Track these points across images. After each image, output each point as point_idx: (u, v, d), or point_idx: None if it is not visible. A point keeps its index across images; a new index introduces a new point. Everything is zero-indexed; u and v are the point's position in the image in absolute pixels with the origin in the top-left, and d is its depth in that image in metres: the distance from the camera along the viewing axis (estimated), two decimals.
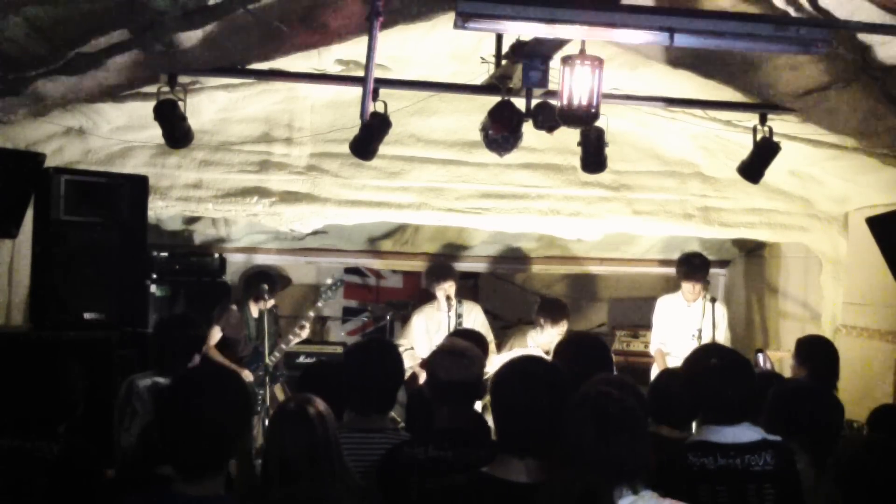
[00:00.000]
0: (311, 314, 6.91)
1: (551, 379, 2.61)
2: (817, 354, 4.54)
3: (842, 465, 2.76)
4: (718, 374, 3.10)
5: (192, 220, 7.78)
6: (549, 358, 5.81)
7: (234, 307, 6.76)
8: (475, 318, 6.80)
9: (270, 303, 6.77)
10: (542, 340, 6.18)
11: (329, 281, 7.10)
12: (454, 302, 6.69)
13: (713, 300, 6.48)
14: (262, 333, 6.66)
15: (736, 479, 2.98)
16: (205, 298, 7.53)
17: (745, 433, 3.04)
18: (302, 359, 7.85)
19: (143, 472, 2.90)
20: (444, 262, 7.33)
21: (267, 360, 6.60)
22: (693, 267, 6.61)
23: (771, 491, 3.01)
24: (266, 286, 6.66)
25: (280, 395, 6.77)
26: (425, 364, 4.00)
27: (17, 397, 2.99)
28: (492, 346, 7.01)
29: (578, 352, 3.87)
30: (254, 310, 6.76)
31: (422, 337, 6.78)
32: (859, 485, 2.68)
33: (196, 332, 4.58)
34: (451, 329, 6.46)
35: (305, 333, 6.87)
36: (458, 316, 6.68)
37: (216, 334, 6.73)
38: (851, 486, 2.70)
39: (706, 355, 3.28)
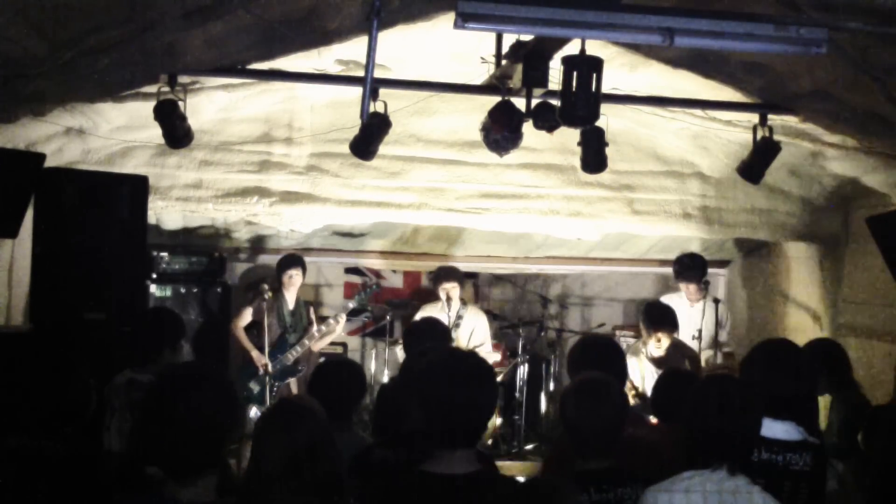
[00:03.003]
0: (343, 315, 6.93)
1: (475, 371, 2.64)
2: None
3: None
4: (778, 368, 3.16)
5: (193, 220, 7.78)
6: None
7: (269, 293, 6.71)
8: (475, 321, 6.81)
9: (289, 278, 6.71)
10: (653, 353, 5.48)
11: (371, 282, 7.13)
12: (455, 303, 6.70)
13: (716, 301, 6.48)
14: (297, 324, 6.69)
15: (775, 475, 3.03)
16: (205, 298, 7.54)
17: (790, 431, 3.10)
18: None
19: (132, 473, 2.89)
20: (451, 265, 7.33)
21: (288, 353, 6.61)
22: (683, 266, 6.60)
23: (805, 491, 3.06)
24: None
25: (295, 390, 6.79)
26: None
27: (25, 397, 2.98)
28: (489, 349, 7.04)
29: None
30: (290, 300, 6.75)
31: None
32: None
33: (170, 326, 4.57)
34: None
35: (339, 329, 6.88)
36: (458, 318, 6.69)
37: (246, 317, 6.75)
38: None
39: (769, 348, 3.34)
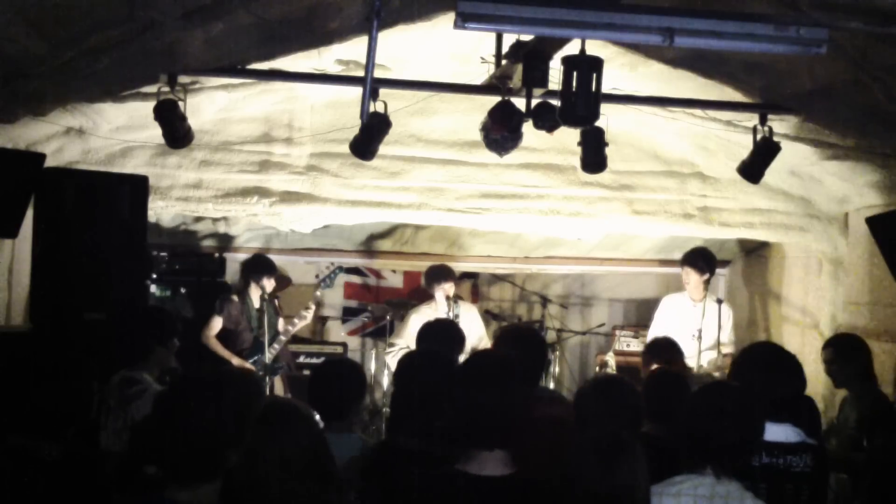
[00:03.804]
0: (313, 304, 6.94)
1: (503, 372, 2.64)
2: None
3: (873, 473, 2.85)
4: (771, 371, 3.17)
5: (193, 220, 7.78)
6: None
7: (235, 298, 6.77)
8: (472, 319, 6.80)
9: (269, 286, 6.76)
10: None
11: (327, 270, 7.18)
12: (454, 303, 6.70)
13: (719, 301, 6.48)
14: (264, 324, 6.69)
15: (777, 478, 3.05)
16: (205, 298, 7.54)
17: (789, 433, 3.11)
18: (302, 358, 7.87)
19: (131, 471, 2.89)
20: (443, 264, 7.36)
21: (266, 353, 6.61)
22: (694, 253, 6.63)
23: (806, 492, 3.07)
24: (262, 275, 6.68)
25: (279, 388, 6.79)
26: None
27: (25, 397, 2.97)
28: (488, 344, 7.02)
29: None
30: (255, 300, 6.77)
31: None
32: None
33: (162, 325, 4.57)
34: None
35: (310, 317, 6.91)
36: (455, 317, 6.68)
37: (216, 325, 6.76)
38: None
39: (760, 351, 3.35)
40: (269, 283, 6.76)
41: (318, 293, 7.10)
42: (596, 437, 2.59)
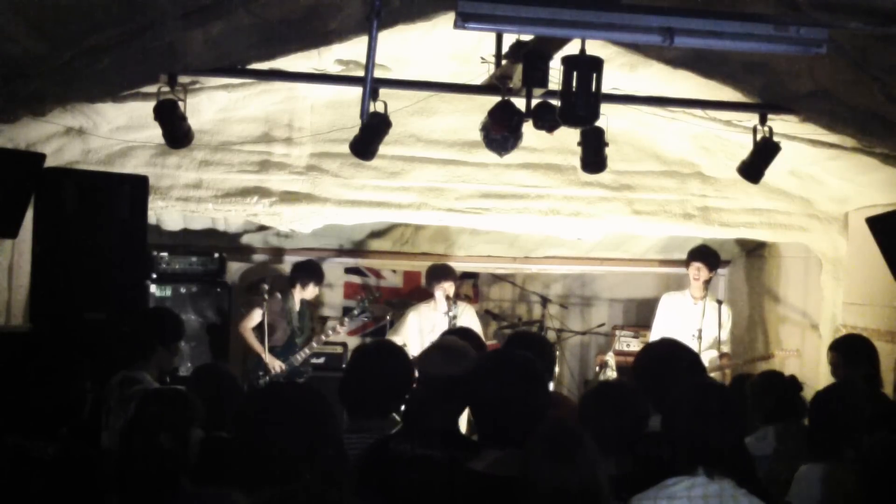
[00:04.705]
0: (348, 320, 7.23)
1: (528, 371, 2.63)
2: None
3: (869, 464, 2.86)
4: (670, 368, 3.25)
5: (193, 220, 7.78)
6: None
7: (279, 295, 6.87)
8: (468, 320, 6.82)
9: (312, 293, 7.03)
10: None
11: (374, 290, 7.73)
12: (452, 303, 6.72)
13: (719, 301, 6.48)
14: (303, 326, 6.95)
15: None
16: (205, 299, 7.55)
17: None
18: None
19: (125, 470, 2.89)
20: (444, 263, 7.40)
21: (298, 355, 6.74)
22: (703, 247, 6.68)
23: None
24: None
25: None
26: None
27: (22, 396, 2.98)
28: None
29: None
30: (296, 302, 6.93)
31: (414, 335, 6.85)
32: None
33: (165, 325, 4.58)
34: (446, 330, 6.48)
35: (343, 331, 7.20)
36: (453, 317, 6.70)
37: (256, 317, 6.90)
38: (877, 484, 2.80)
39: (657, 350, 3.40)
40: (312, 290, 7.03)
41: (356, 311, 7.36)
42: (547, 432, 2.56)
